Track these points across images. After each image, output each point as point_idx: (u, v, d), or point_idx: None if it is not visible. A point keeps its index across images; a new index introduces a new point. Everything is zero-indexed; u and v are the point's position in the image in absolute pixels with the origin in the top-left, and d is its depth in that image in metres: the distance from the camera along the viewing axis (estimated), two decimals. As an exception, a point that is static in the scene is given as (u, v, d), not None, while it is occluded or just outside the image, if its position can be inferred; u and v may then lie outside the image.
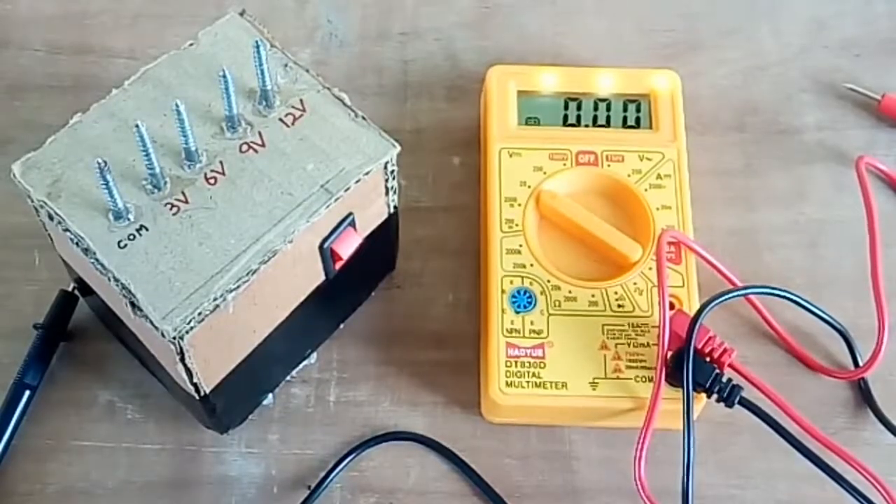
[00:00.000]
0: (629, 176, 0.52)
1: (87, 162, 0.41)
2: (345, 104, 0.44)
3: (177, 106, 0.41)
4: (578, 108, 0.54)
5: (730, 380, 0.46)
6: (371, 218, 0.46)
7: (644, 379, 0.48)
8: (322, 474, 0.48)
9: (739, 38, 0.61)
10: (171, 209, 0.41)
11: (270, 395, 0.50)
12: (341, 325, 0.52)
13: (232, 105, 0.42)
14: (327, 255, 0.44)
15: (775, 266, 0.54)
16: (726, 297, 0.47)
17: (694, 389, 0.45)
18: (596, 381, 0.48)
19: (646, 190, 0.52)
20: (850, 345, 0.52)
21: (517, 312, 0.49)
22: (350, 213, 0.44)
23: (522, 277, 0.50)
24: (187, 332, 0.39)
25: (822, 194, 0.56)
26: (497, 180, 0.52)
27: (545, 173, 0.52)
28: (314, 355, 0.51)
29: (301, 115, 0.44)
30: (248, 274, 0.40)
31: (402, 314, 0.53)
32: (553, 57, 0.59)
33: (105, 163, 0.39)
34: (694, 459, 0.45)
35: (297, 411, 0.50)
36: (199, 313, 0.39)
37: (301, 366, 0.51)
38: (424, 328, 0.52)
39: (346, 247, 0.44)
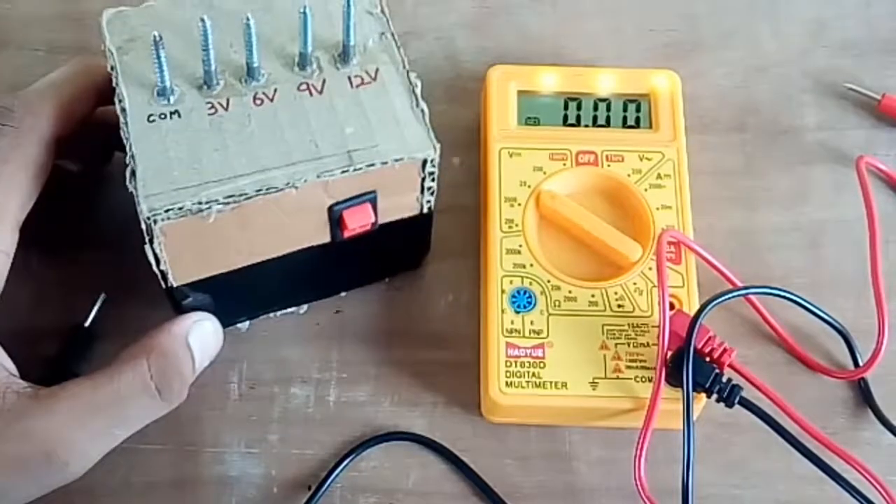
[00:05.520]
0: (629, 176, 0.52)
1: (168, 38, 0.42)
2: (413, 92, 0.44)
3: (248, 20, 0.42)
4: (578, 108, 0.54)
5: (730, 380, 0.46)
6: (398, 208, 0.46)
7: (644, 379, 0.48)
8: (322, 474, 0.48)
9: (740, 38, 0.61)
10: (209, 108, 0.43)
11: (248, 322, 0.51)
12: (343, 294, 0.52)
13: (307, 43, 0.43)
14: (335, 218, 0.44)
15: (775, 266, 0.54)
16: (726, 297, 0.47)
17: (694, 389, 0.45)
18: (596, 381, 0.48)
19: (646, 190, 0.52)
20: (850, 345, 0.52)
21: (517, 312, 0.49)
22: (373, 192, 0.44)
23: (522, 277, 0.50)
24: (161, 219, 0.40)
25: (823, 194, 0.56)
26: (497, 180, 0.52)
27: (545, 173, 0.52)
28: (305, 307, 0.52)
29: (369, 84, 0.44)
30: (240, 195, 0.41)
31: (402, 314, 0.53)
32: (553, 57, 0.59)
33: (160, 37, 0.41)
34: (694, 459, 0.45)
35: (297, 411, 0.50)
36: (180, 208, 0.40)
37: (289, 310, 0.52)
38: (424, 328, 0.52)
39: (357, 220, 0.44)
